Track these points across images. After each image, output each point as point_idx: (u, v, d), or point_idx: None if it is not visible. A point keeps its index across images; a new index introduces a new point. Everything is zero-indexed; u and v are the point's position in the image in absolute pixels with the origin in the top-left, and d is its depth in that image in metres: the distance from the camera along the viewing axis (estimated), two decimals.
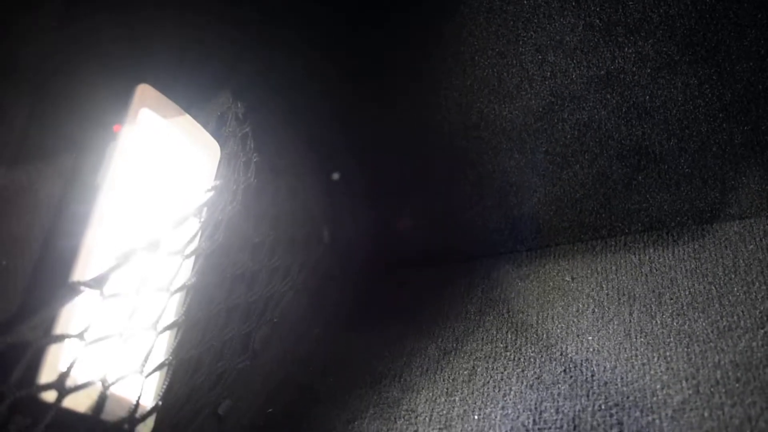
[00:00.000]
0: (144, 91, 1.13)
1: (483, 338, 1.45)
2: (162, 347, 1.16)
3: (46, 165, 1.03)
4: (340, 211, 1.85)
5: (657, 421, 1.07)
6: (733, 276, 1.30)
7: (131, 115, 1.10)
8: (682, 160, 1.53)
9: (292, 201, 1.65)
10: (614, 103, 1.59)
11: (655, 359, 1.19)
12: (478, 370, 1.37)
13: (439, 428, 1.26)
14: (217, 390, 1.36)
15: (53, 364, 0.94)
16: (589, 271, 1.50)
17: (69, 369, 0.93)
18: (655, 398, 1.11)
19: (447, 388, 1.36)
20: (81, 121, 1.08)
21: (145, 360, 1.08)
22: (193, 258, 1.20)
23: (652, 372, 1.17)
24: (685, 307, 1.28)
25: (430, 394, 1.37)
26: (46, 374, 0.93)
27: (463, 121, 1.75)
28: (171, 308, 1.16)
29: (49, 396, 0.92)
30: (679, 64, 1.51)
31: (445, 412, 1.30)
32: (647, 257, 1.46)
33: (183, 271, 1.17)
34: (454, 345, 1.48)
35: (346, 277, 1.84)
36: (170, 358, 1.15)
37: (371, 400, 1.43)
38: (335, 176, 1.83)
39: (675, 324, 1.25)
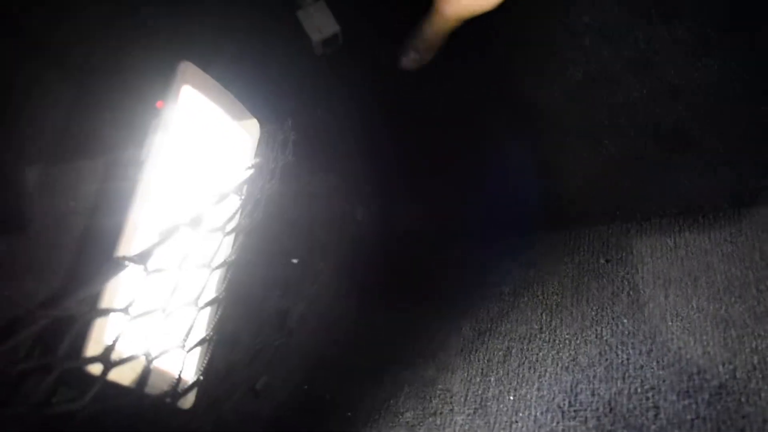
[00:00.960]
0: (186, 68, 1.13)
1: (518, 319, 1.46)
2: (203, 323, 1.17)
3: (90, 142, 1.04)
4: (376, 190, 1.85)
5: (693, 406, 1.07)
6: None
7: (173, 92, 1.11)
8: (718, 142, 1.52)
9: (329, 179, 1.65)
10: (649, 86, 1.59)
11: (692, 343, 1.19)
12: (513, 351, 1.37)
13: (475, 408, 1.27)
14: (255, 366, 1.37)
15: (99, 337, 0.95)
16: (623, 254, 1.49)
17: (114, 342, 0.94)
18: (691, 382, 1.11)
19: (482, 369, 1.36)
20: (124, 98, 1.08)
21: (187, 335, 1.09)
22: (233, 235, 1.21)
23: (689, 356, 1.16)
24: (721, 292, 1.28)
25: (465, 374, 1.37)
26: (92, 347, 0.94)
27: (502, 103, 1.75)
28: (212, 285, 1.17)
29: (95, 369, 0.93)
30: (716, 46, 1.50)
31: (480, 392, 1.31)
32: (683, 240, 1.45)
33: (224, 248, 1.18)
34: (489, 325, 1.48)
35: (382, 256, 1.84)
36: (211, 333, 1.16)
37: (406, 379, 1.44)
38: (372, 155, 1.83)
39: (711, 308, 1.25)
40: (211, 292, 1.17)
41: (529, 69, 1.70)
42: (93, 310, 0.93)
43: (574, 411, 1.15)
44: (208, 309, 1.17)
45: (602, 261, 1.50)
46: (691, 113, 1.54)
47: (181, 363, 1.09)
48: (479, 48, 1.75)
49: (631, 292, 1.37)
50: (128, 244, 1.00)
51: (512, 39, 1.70)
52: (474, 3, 1.52)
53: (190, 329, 1.10)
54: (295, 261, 1.45)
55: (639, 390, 1.13)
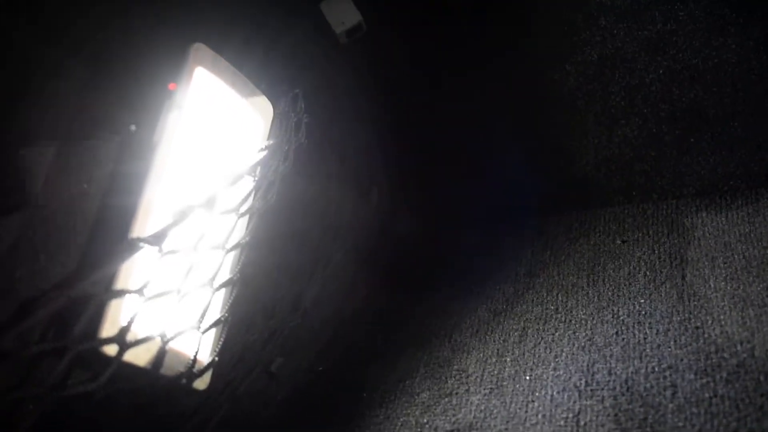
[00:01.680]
0: (199, 50, 1.13)
1: (533, 300, 1.45)
2: (218, 304, 1.17)
3: (104, 124, 1.04)
4: (389, 173, 1.85)
5: (711, 384, 1.06)
6: None
7: (186, 74, 1.10)
8: (735, 122, 1.50)
9: (341, 162, 1.65)
10: (665, 66, 1.57)
11: (709, 322, 1.18)
12: (529, 331, 1.37)
13: (491, 389, 1.27)
14: (270, 348, 1.37)
15: (114, 318, 0.95)
16: (640, 234, 1.48)
17: (129, 323, 0.94)
18: (709, 361, 1.10)
19: (498, 349, 1.36)
20: (137, 80, 1.08)
21: (202, 316, 1.09)
22: (247, 217, 1.21)
23: (706, 335, 1.15)
24: (739, 271, 1.27)
25: (481, 354, 1.37)
26: (108, 328, 0.94)
27: (517, 85, 1.74)
28: (226, 266, 1.17)
29: (111, 350, 0.94)
30: (733, 25, 1.48)
31: (496, 372, 1.30)
32: (700, 221, 1.44)
33: (238, 230, 1.18)
34: (505, 306, 1.48)
35: (396, 238, 1.84)
36: (226, 315, 1.16)
37: (422, 360, 1.44)
38: (385, 139, 1.83)
39: (729, 288, 1.24)
40: (225, 274, 1.17)
41: (543, 50, 1.69)
42: (108, 292, 0.93)
43: (591, 390, 1.14)
44: (223, 290, 1.17)
45: (618, 242, 1.50)
46: (707, 94, 1.53)
47: (197, 344, 1.09)
48: (493, 30, 1.74)
49: (648, 272, 1.37)
50: (143, 226, 1.00)
51: (527, 20, 1.69)
52: None
53: (205, 310, 1.10)
54: None
55: (656, 369, 1.13)
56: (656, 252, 1.41)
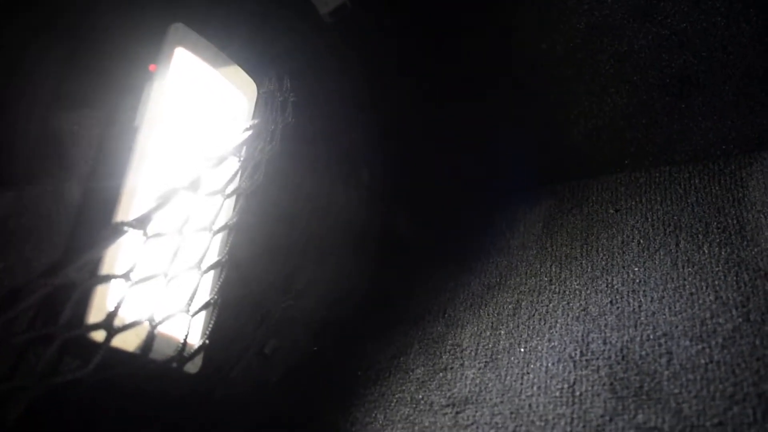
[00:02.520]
0: (178, 30, 1.12)
1: (527, 272, 1.44)
2: (207, 287, 1.16)
3: (83, 107, 1.03)
4: (380, 152, 1.84)
5: (707, 350, 1.05)
6: None
7: (166, 54, 1.09)
8: (726, 87, 1.49)
9: (330, 143, 1.63)
10: (654, 32, 1.56)
11: (704, 288, 1.17)
12: (523, 303, 1.36)
13: (485, 362, 1.26)
14: (262, 330, 1.37)
15: (100, 304, 0.95)
16: (633, 203, 1.47)
17: (116, 309, 0.93)
18: (704, 327, 1.09)
19: (492, 323, 1.36)
20: (116, 62, 1.07)
21: (191, 299, 1.09)
22: (234, 198, 1.20)
23: (701, 301, 1.15)
24: (733, 236, 1.26)
25: (475, 328, 1.37)
26: (94, 314, 0.94)
27: (504, 57, 1.73)
28: (214, 248, 1.16)
29: (98, 336, 0.93)
30: None
31: (490, 345, 1.30)
32: (692, 187, 1.43)
33: (224, 211, 1.17)
34: (498, 280, 1.47)
35: (387, 216, 1.83)
36: (215, 297, 1.15)
37: (416, 336, 1.43)
38: (377, 116, 1.82)
39: (723, 253, 1.23)
40: (213, 256, 1.16)
41: (530, 19, 1.67)
42: (93, 277, 0.92)
43: (586, 360, 1.14)
44: (212, 273, 1.16)
45: (611, 211, 1.49)
46: (697, 59, 1.52)
47: (186, 327, 1.08)
48: (480, 1, 1.72)
49: (641, 241, 1.36)
50: (127, 210, 0.99)
51: None
52: None
53: (193, 293, 1.09)
54: None
55: (651, 337, 1.12)
56: (649, 220, 1.40)
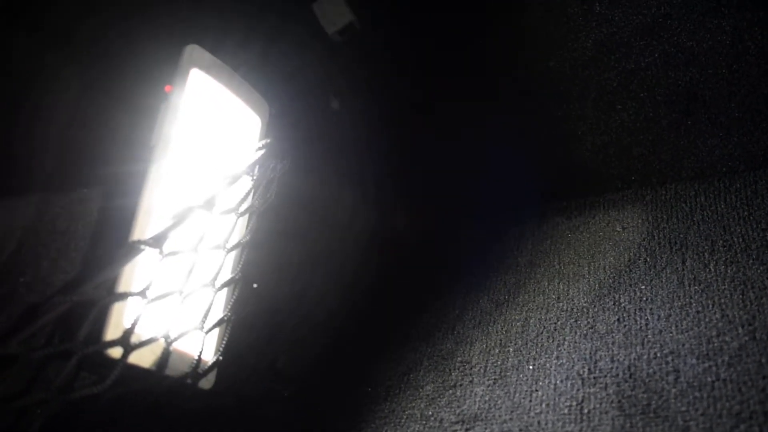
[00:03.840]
0: (193, 51, 1.13)
1: (535, 289, 1.45)
2: (220, 304, 1.17)
3: (101, 128, 1.04)
4: (387, 168, 1.85)
5: (713, 368, 1.06)
6: None
7: (181, 75, 1.11)
8: (732, 104, 1.50)
9: (339, 160, 1.65)
10: (661, 50, 1.57)
11: (710, 306, 1.18)
12: (531, 321, 1.37)
13: (494, 379, 1.27)
14: (274, 345, 1.38)
15: (117, 321, 0.96)
16: (639, 221, 1.48)
17: (133, 326, 0.95)
18: (711, 345, 1.10)
19: (501, 340, 1.37)
20: (133, 83, 1.09)
21: (205, 316, 1.10)
22: (247, 216, 1.21)
23: (707, 319, 1.16)
24: (739, 254, 1.27)
25: (484, 345, 1.37)
26: (112, 331, 0.95)
27: (512, 73, 1.74)
28: (228, 266, 1.18)
29: (115, 352, 0.94)
30: (727, 7, 1.48)
31: (499, 362, 1.31)
32: (698, 205, 1.44)
33: (238, 229, 1.19)
34: (506, 297, 1.48)
35: (395, 232, 1.84)
36: (229, 314, 1.16)
37: (425, 353, 1.44)
38: (384, 134, 1.83)
39: (729, 271, 1.24)
40: (227, 274, 1.18)
41: (539, 37, 1.68)
42: (111, 295, 0.94)
43: (594, 378, 1.15)
44: (225, 290, 1.18)
45: (618, 229, 1.50)
46: (704, 76, 1.53)
47: (201, 344, 1.10)
48: (488, 19, 1.74)
49: (648, 258, 1.37)
50: (143, 228, 1.01)
51: (521, 7, 1.69)
52: None
53: (208, 310, 1.11)
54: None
55: (658, 355, 1.13)
56: (656, 237, 1.41)
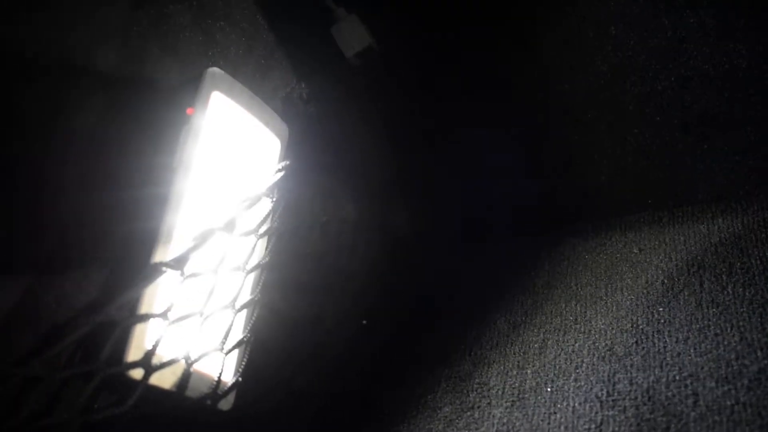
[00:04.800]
0: (214, 74, 1.15)
1: (552, 311, 1.45)
2: (240, 325, 1.18)
3: (123, 150, 1.05)
4: (403, 189, 1.86)
5: (733, 391, 1.06)
6: None
7: (203, 98, 1.12)
8: (748, 127, 1.50)
9: (357, 181, 1.66)
10: (677, 73, 1.57)
11: (729, 329, 1.18)
12: (549, 342, 1.37)
13: (512, 401, 1.27)
14: (292, 366, 1.39)
15: (139, 342, 0.97)
16: (657, 243, 1.48)
17: (154, 347, 0.95)
18: (730, 368, 1.10)
19: (518, 361, 1.37)
20: (155, 106, 1.10)
21: (225, 338, 1.11)
22: (266, 237, 1.22)
23: (726, 342, 1.15)
24: (757, 277, 1.26)
25: (502, 367, 1.37)
26: (133, 352, 0.96)
27: (527, 97, 1.75)
28: (247, 287, 1.19)
29: (136, 373, 0.95)
30: (742, 30, 1.48)
31: (517, 384, 1.31)
32: (716, 227, 1.44)
33: (257, 251, 1.20)
34: (523, 318, 1.48)
35: (412, 254, 1.85)
36: (248, 335, 1.17)
37: (442, 374, 1.44)
38: (398, 156, 1.84)
39: (747, 294, 1.24)
40: (246, 295, 1.19)
41: (553, 62, 1.69)
42: (133, 316, 0.95)
43: (613, 400, 1.15)
44: (245, 311, 1.18)
45: (635, 250, 1.50)
46: (719, 99, 1.53)
47: (220, 365, 1.10)
48: (501, 44, 1.75)
49: (665, 281, 1.37)
50: (164, 250, 1.02)
51: (536, 32, 1.70)
52: None
53: (227, 332, 1.11)
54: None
55: (677, 378, 1.13)
56: (673, 260, 1.41)
